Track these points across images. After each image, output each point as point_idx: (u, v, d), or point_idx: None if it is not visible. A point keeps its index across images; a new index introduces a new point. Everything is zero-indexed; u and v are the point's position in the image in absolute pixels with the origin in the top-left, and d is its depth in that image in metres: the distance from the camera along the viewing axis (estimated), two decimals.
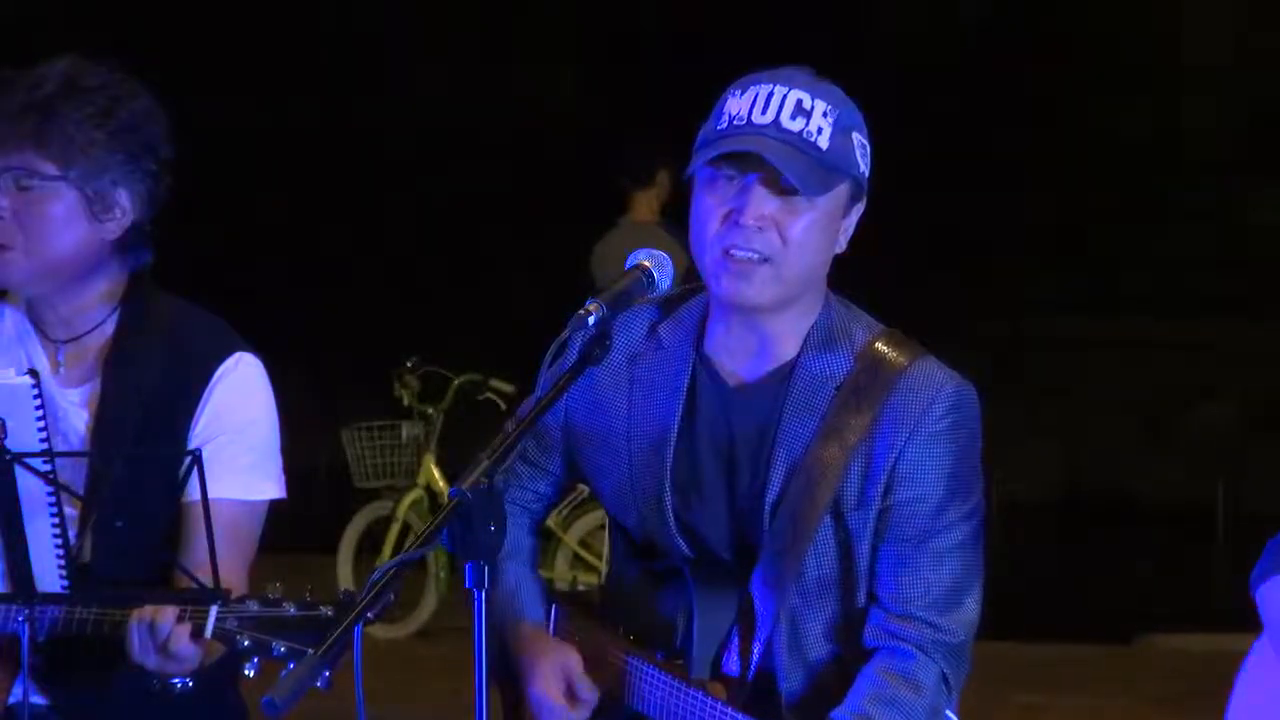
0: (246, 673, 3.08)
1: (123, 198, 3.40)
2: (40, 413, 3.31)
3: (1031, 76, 18.00)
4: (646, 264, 3.04)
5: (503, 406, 9.82)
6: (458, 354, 10.64)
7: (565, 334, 3.30)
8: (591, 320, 2.92)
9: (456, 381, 10.27)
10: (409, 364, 10.31)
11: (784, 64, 3.17)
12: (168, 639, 3.11)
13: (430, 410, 10.31)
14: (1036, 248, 17.81)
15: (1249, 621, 3.53)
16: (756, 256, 3.07)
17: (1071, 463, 16.53)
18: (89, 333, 3.47)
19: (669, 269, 3.06)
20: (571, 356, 3.05)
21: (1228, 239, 17.64)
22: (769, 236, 3.07)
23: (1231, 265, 17.14)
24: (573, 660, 3.25)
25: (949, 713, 3.16)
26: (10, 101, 3.35)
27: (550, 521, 10.02)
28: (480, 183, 18.08)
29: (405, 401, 10.34)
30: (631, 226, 9.97)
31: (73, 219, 3.38)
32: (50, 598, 3.26)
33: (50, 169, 3.35)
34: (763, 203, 3.07)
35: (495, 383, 10.06)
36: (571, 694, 3.23)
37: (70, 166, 3.35)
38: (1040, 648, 10.11)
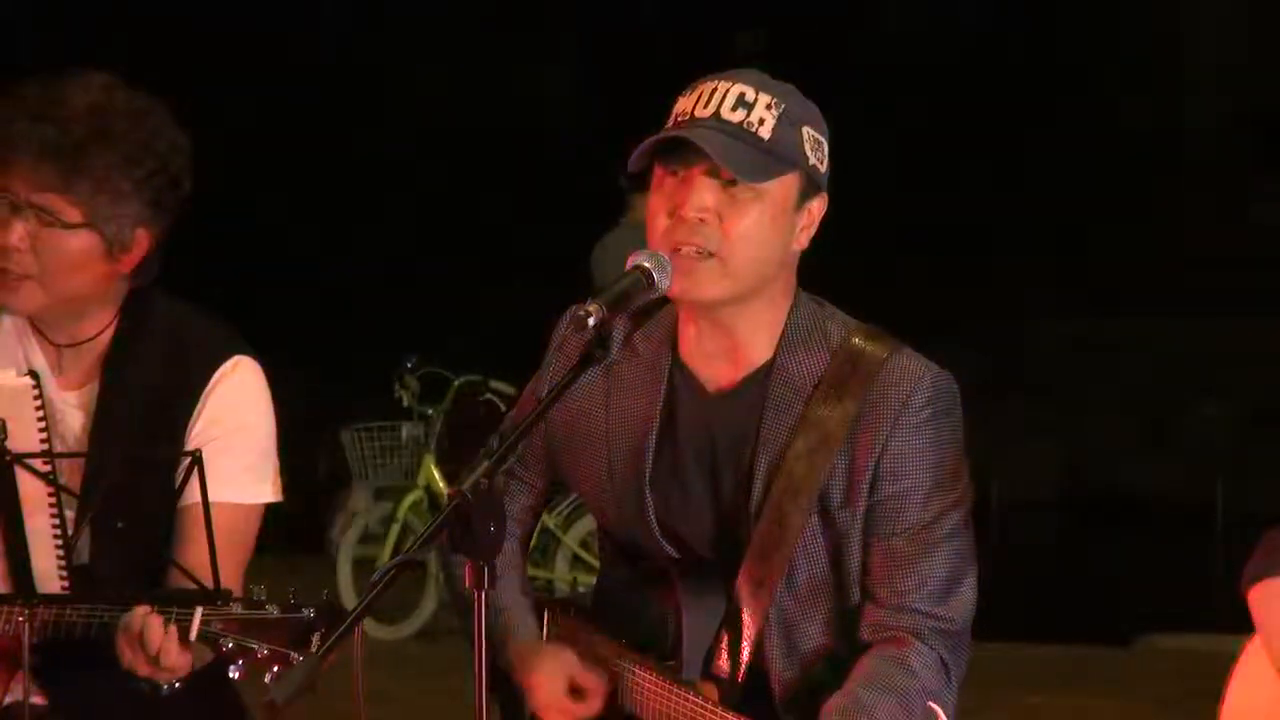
0: (231, 674, 3.09)
1: (142, 236, 3.41)
2: (41, 414, 3.32)
3: (1032, 76, 17.99)
4: (646, 265, 3.03)
5: (503, 407, 9.82)
6: (458, 354, 10.64)
7: (562, 334, 3.31)
8: (592, 322, 2.91)
9: (456, 382, 10.28)
10: (409, 364, 10.32)
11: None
12: (158, 651, 3.12)
13: (430, 411, 10.32)
14: (1036, 248, 17.79)
15: (1248, 622, 3.53)
16: (701, 251, 3.05)
17: (1071, 463, 16.51)
18: (90, 338, 3.47)
19: (669, 269, 3.05)
20: (569, 358, 3.04)
21: (1228, 239, 17.62)
22: (712, 230, 3.05)
23: (1232, 265, 17.12)
24: (570, 657, 3.25)
25: (945, 715, 3.15)
26: (38, 134, 3.32)
27: (550, 522, 10.04)
28: (480, 182, 18.07)
29: (405, 402, 10.35)
30: (631, 227, 9.96)
31: (92, 258, 3.38)
32: (50, 598, 3.26)
33: (75, 216, 3.34)
34: (704, 194, 3.05)
35: (495, 383, 10.06)
36: (575, 689, 3.23)
37: (96, 215, 3.35)
38: (1040, 648, 10.10)
